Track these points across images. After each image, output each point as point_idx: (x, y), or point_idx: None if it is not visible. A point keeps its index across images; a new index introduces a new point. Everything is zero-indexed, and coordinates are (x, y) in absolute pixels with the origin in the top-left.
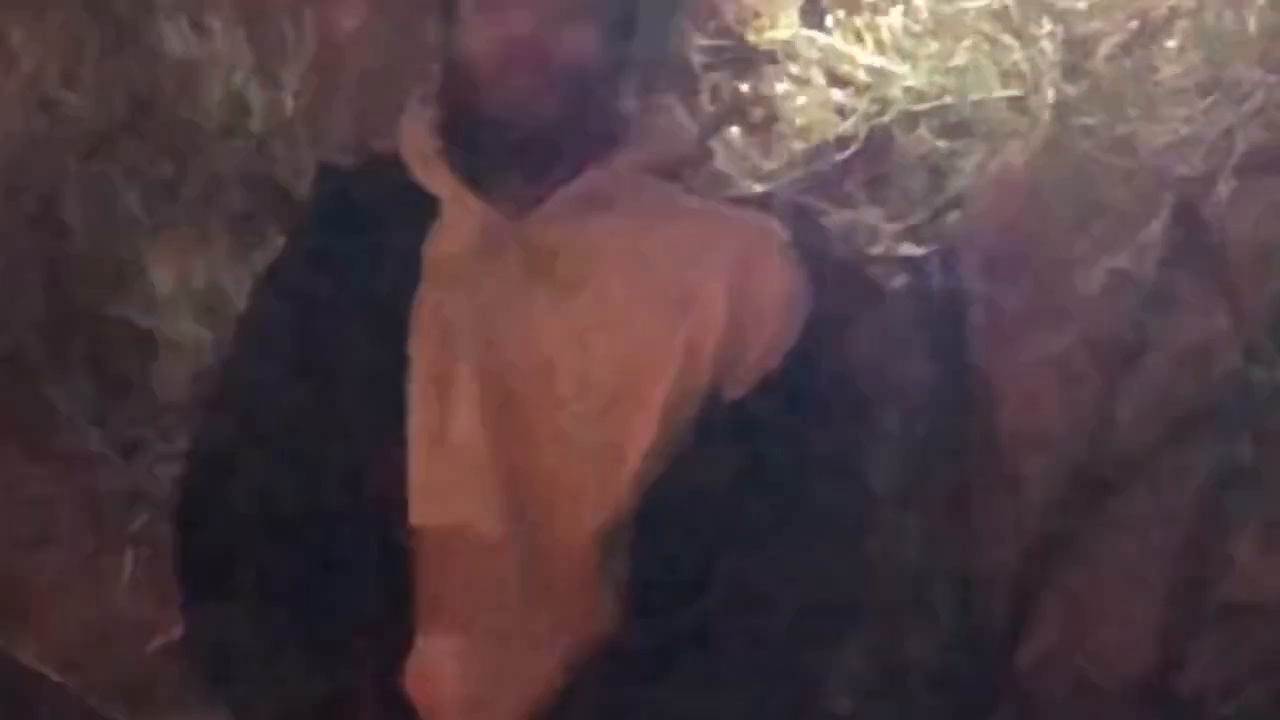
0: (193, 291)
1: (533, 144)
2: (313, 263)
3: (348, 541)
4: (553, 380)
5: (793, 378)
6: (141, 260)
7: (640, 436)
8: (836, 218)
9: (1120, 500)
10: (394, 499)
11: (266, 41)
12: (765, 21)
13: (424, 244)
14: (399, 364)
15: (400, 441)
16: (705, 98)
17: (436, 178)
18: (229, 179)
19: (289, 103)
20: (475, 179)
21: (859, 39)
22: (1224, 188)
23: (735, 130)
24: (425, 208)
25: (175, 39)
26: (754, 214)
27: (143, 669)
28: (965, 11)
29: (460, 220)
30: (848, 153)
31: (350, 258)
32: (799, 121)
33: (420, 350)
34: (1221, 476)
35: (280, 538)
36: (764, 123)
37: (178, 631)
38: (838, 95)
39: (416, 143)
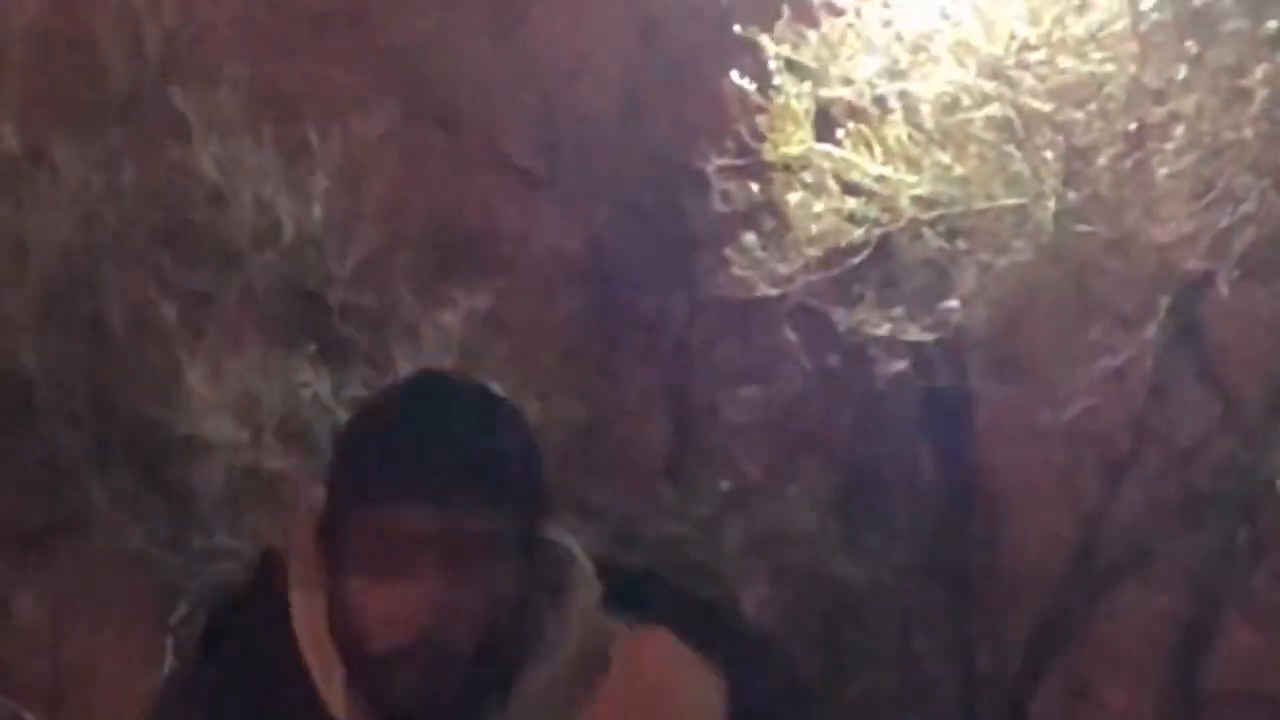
0: (227, 395)
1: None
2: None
3: None
4: None
5: None
6: (178, 366)
7: None
8: (846, 317)
9: (1119, 589)
10: None
11: (295, 154)
12: (780, 138)
13: None
14: None
15: None
16: (717, 200)
17: (337, 703)
18: (261, 288)
19: (318, 213)
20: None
21: (868, 149)
22: (1221, 287)
23: (751, 237)
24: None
25: (208, 153)
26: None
27: None
28: (970, 122)
29: None
30: (859, 258)
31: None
32: (814, 229)
33: None
34: (1216, 565)
35: None
36: (778, 230)
37: None
38: (850, 203)
39: (315, 644)
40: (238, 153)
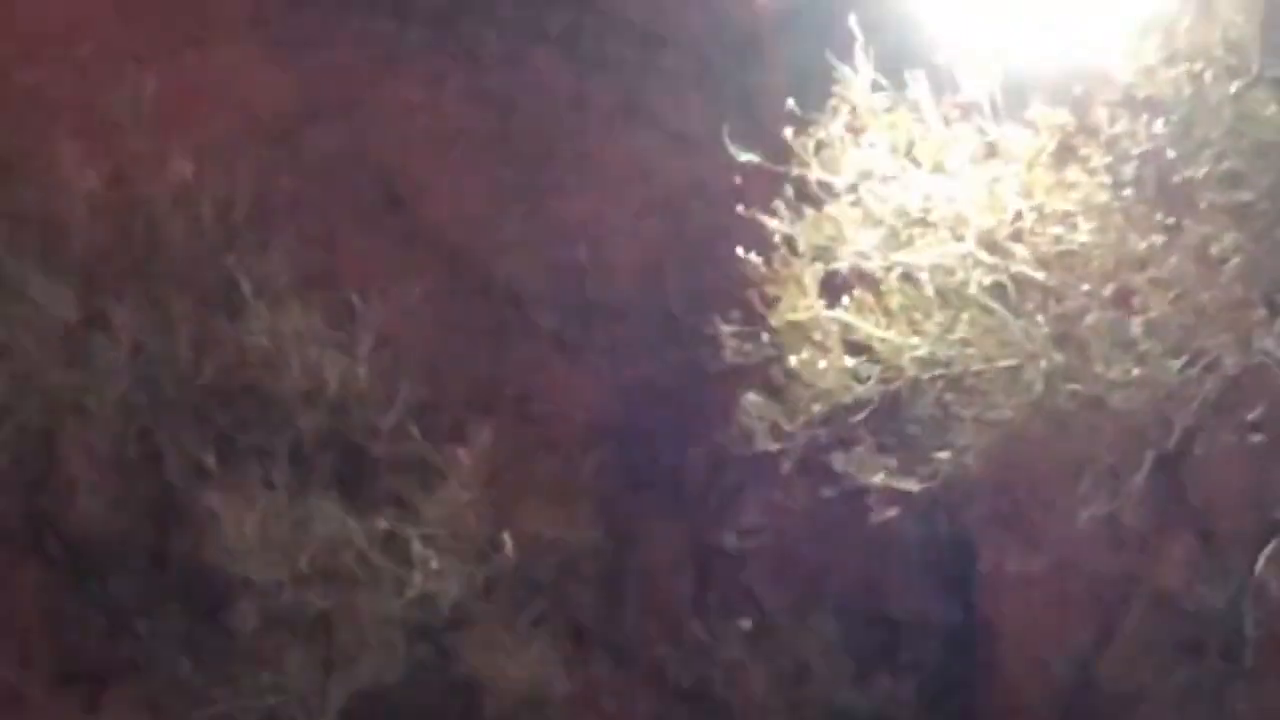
0: (270, 540)
1: None
2: None
3: None
4: None
5: None
6: (227, 513)
7: None
8: (846, 465)
9: None
10: None
11: (340, 319)
12: (787, 306)
13: None
14: None
15: None
16: (730, 362)
17: None
18: (308, 442)
19: (362, 370)
20: None
21: (871, 312)
22: (1198, 442)
23: (758, 398)
24: None
25: (257, 313)
26: None
27: None
28: (967, 287)
29: None
30: (862, 415)
31: None
32: (820, 386)
33: None
34: (1202, 701)
35: None
36: (786, 388)
37: None
38: (853, 362)
39: None
40: (286, 317)
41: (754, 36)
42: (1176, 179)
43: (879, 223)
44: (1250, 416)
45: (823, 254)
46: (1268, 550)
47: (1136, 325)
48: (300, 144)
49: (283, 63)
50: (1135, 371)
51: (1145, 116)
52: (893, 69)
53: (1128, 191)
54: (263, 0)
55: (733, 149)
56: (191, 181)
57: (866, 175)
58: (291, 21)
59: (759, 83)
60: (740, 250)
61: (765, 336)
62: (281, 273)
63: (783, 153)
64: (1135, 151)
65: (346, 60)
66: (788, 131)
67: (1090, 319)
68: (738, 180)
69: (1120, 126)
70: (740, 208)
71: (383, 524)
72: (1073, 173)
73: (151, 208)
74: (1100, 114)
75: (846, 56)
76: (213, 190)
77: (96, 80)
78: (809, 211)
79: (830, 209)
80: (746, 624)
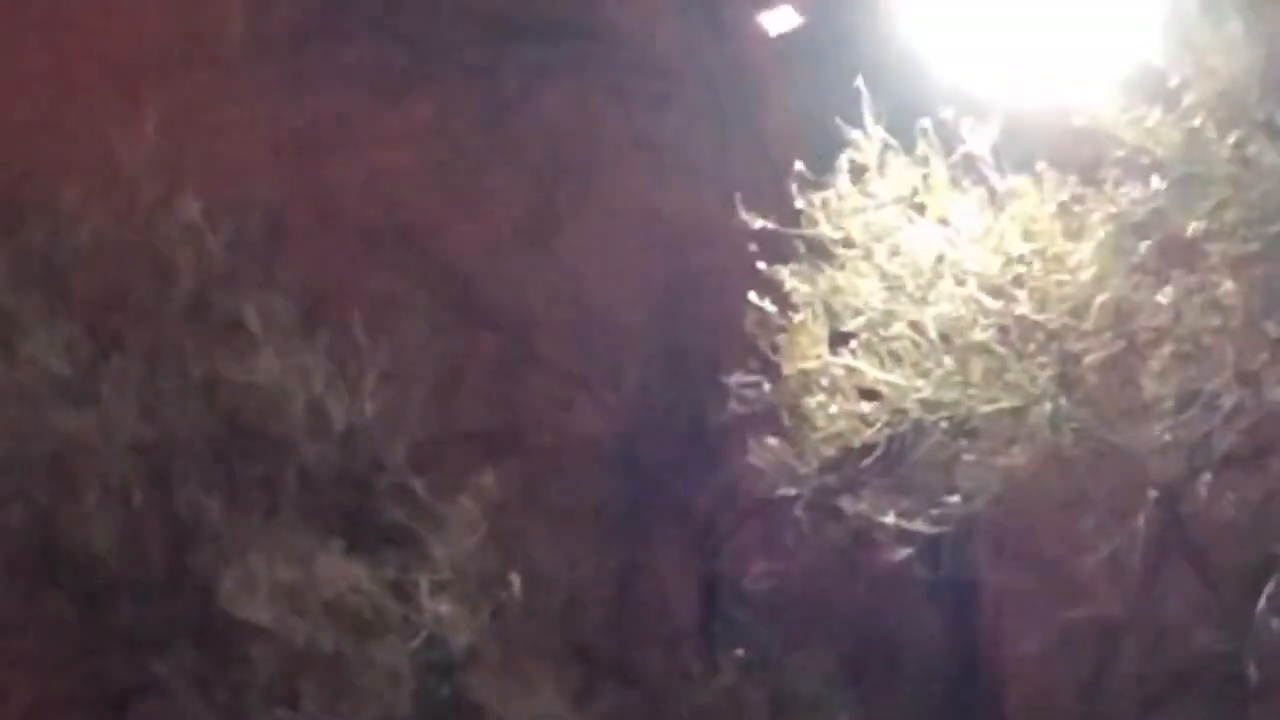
0: (281, 579)
1: None
2: None
3: None
4: None
5: None
6: (235, 550)
7: None
8: (855, 506)
9: None
10: None
11: (345, 354)
12: (797, 353)
13: None
14: None
15: None
16: (738, 404)
17: None
18: (315, 476)
19: (368, 406)
20: None
21: (878, 357)
22: (1201, 486)
23: (772, 440)
24: None
25: (263, 349)
26: None
27: None
28: (969, 329)
29: None
30: (871, 457)
31: None
32: (829, 430)
33: None
34: None
35: None
36: (795, 430)
37: None
38: (863, 407)
39: None
40: (292, 353)
41: (766, 77)
42: (1181, 232)
43: (887, 276)
44: (1255, 459)
45: (832, 312)
46: (1268, 589)
47: (1140, 367)
48: (307, 177)
49: (290, 96)
50: (1139, 413)
51: (1149, 176)
52: (899, 123)
53: (1139, 245)
54: (269, 33)
55: (745, 216)
56: (198, 218)
57: (874, 231)
58: (298, 54)
59: (770, 124)
60: (752, 295)
61: (768, 386)
62: (288, 308)
63: (793, 204)
64: (1140, 215)
65: (354, 93)
66: (794, 188)
67: (1092, 360)
68: (753, 248)
69: (1125, 188)
70: (747, 252)
71: (390, 572)
72: (1075, 220)
73: (158, 244)
74: (1106, 174)
75: (854, 108)
76: (219, 226)
77: (100, 117)
78: (819, 266)
79: (839, 265)
80: (740, 653)
